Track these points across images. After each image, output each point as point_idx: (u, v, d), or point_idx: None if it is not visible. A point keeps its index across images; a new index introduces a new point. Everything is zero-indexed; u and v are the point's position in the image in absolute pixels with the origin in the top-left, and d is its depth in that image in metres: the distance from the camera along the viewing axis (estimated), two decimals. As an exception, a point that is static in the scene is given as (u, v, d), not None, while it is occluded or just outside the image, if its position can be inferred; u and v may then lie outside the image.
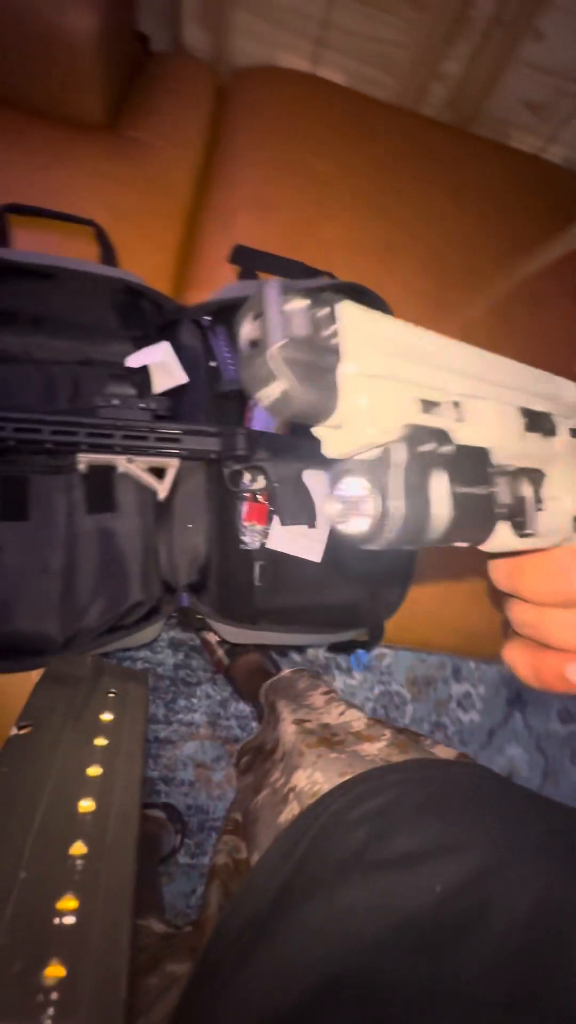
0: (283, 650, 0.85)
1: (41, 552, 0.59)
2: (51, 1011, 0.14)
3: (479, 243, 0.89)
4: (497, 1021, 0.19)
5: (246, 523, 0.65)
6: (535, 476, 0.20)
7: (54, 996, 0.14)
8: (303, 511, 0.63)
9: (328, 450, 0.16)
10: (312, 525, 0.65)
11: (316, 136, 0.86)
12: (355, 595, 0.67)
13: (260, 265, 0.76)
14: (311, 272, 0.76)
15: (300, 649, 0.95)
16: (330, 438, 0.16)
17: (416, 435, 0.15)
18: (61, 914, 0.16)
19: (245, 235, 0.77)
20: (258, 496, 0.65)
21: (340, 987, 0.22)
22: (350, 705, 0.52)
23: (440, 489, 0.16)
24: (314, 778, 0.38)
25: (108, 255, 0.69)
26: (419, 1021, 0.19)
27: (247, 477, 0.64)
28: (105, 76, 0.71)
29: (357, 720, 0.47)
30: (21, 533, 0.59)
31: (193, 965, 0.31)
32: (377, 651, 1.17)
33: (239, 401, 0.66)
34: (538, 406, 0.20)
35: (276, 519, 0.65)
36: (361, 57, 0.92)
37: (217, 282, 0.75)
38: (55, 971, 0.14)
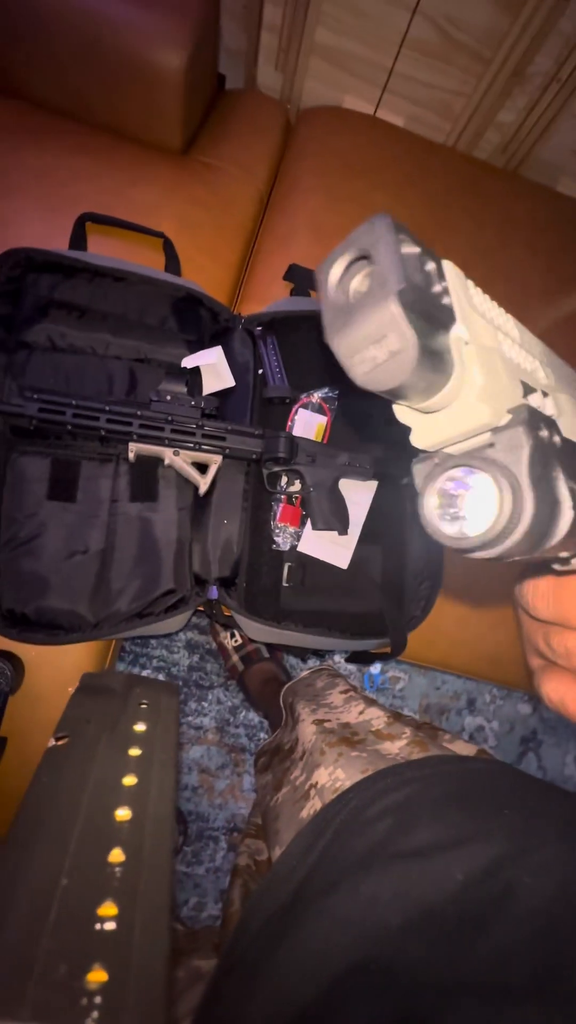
0: (303, 655, 0.86)
1: (83, 533, 0.62)
2: (95, 1014, 0.14)
3: (524, 278, 0.92)
4: (520, 1004, 0.19)
5: (279, 524, 0.66)
6: None
7: (98, 1000, 0.14)
8: (335, 517, 0.65)
9: (419, 438, 0.14)
10: (343, 532, 0.67)
11: (374, 171, 0.91)
12: (379, 605, 0.68)
13: (312, 284, 0.80)
14: (360, 294, 0.79)
15: (320, 656, 0.95)
16: (424, 423, 0.14)
17: (533, 419, 0.13)
18: (102, 920, 0.16)
19: (300, 256, 0.82)
20: (293, 499, 0.67)
21: (366, 973, 0.22)
22: (369, 702, 0.52)
23: (562, 484, 0.13)
24: (336, 775, 0.38)
25: (173, 265, 0.74)
26: (444, 1005, 0.19)
27: (284, 480, 0.67)
28: (186, 109, 0.78)
29: (377, 718, 0.47)
30: (67, 514, 0.62)
31: (219, 958, 0.31)
32: (391, 673, 1.16)
33: (283, 407, 0.69)
34: None
35: (309, 523, 0.66)
36: (422, 103, 0.98)
37: (270, 297, 0.80)
38: (98, 976, 0.15)
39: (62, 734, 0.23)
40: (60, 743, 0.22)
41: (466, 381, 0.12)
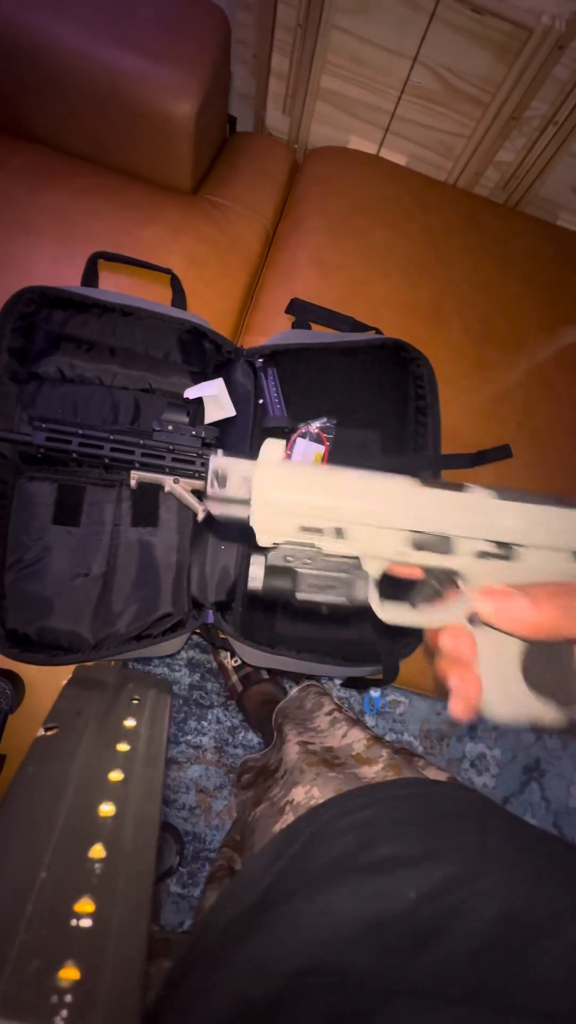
0: (298, 678, 0.86)
1: (86, 557, 0.64)
2: (64, 1013, 0.13)
3: (523, 312, 0.94)
4: (455, 1010, 0.20)
5: (275, 550, 0.68)
6: (444, 575, 0.28)
7: (68, 999, 0.14)
8: (331, 545, 0.67)
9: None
10: (338, 559, 0.68)
11: (376, 208, 0.95)
12: (374, 633, 0.69)
13: (313, 317, 0.83)
14: (360, 327, 0.82)
15: (315, 679, 0.95)
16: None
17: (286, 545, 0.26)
18: (79, 916, 0.16)
19: (303, 291, 0.85)
20: (289, 526, 0.69)
21: (315, 976, 0.23)
22: (352, 723, 0.53)
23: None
24: (312, 793, 0.40)
25: (179, 299, 0.78)
26: (383, 1004, 0.20)
27: (281, 507, 0.68)
28: (196, 153, 0.82)
29: (358, 741, 0.48)
30: (71, 538, 0.64)
31: (180, 956, 0.32)
32: (391, 697, 1.15)
33: (282, 437, 0.71)
34: (439, 531, 0.27)
35: (304, 550, 0.68)
36: (423, 144, 1.02)
37: (273, 329, 0.83)
38: (70, 973, 0.14)
39: (51, 725, 0.23)
40: (49, 734, 0.22)
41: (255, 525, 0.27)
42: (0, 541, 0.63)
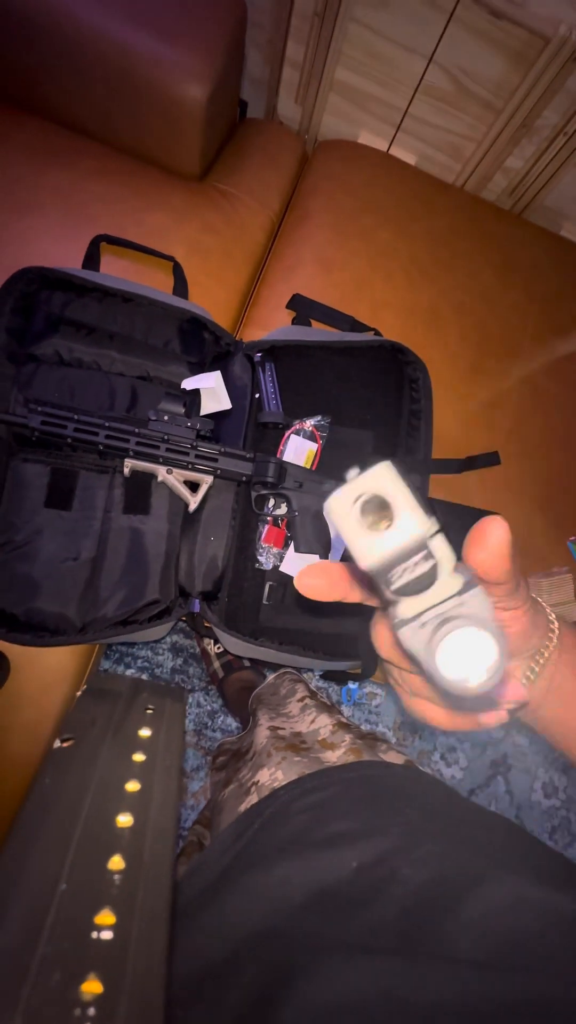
0: (277, 667, 0.89)
1: (76, 541, 0.65)
2: None
3: (520, 320, 0.95)
4: (382, 959, 0.22)
5: (264, 544, 0.70)
6: None
7: (91, 1011, 0.13)
8: (318, 542, 0.68)
9: (407, 611, 0.19)
10: (324, 556, 0.70)
11: (382, 208, 0.95)
12: (355, 629, 0.71)
13: (314, 314, 0.83)
14: (359, 327, 0.83)
15: (296, 670, 0.98)
16: (411, 600, 0.19)
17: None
18: (99, 928, 0.16)
19: (304, 287, 0.85)
20: (279, 521, 0.70)
21: (265, 939, 0.26)
22: (321, 710, 0.56)
23: None
24: (276, 775, 0.42)
25: (181, 288, 0.78)
26: (318, 962, 0.23)
27: (271, 502, 0.70)
28: (205, 138, 0.81)
29: (324, 727, 0.51)
30: (62, 521, 0.65)
31: None
32: (368, 689, 1.19)
33: (276, 432, 0.72)
34: None
35: (292, 545, 0.69)
36: (434, 144, 1.02)
37: (273, 324, 0.83)
38: (92, 987, 0.14)
39: (67, 736, 0.23)
40: (65, 745, 0.22)
41: (443, 562, 0.18)
42: (-9, 521, 0.63)
